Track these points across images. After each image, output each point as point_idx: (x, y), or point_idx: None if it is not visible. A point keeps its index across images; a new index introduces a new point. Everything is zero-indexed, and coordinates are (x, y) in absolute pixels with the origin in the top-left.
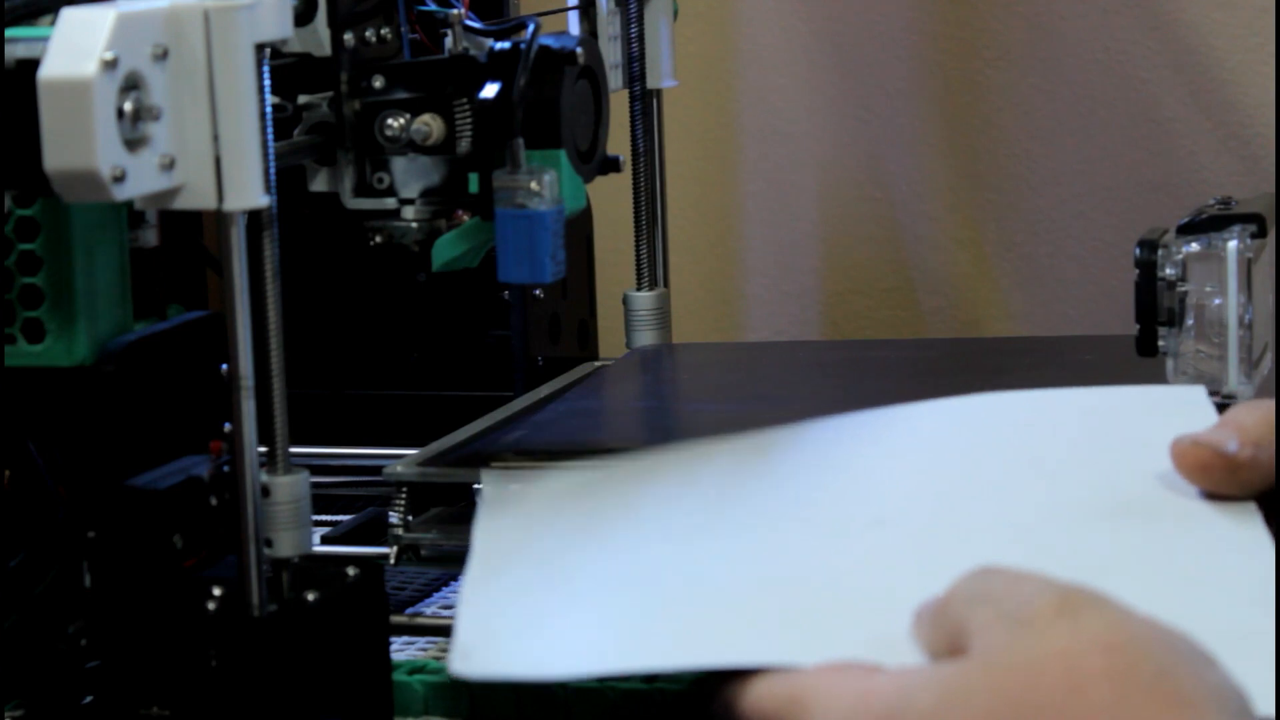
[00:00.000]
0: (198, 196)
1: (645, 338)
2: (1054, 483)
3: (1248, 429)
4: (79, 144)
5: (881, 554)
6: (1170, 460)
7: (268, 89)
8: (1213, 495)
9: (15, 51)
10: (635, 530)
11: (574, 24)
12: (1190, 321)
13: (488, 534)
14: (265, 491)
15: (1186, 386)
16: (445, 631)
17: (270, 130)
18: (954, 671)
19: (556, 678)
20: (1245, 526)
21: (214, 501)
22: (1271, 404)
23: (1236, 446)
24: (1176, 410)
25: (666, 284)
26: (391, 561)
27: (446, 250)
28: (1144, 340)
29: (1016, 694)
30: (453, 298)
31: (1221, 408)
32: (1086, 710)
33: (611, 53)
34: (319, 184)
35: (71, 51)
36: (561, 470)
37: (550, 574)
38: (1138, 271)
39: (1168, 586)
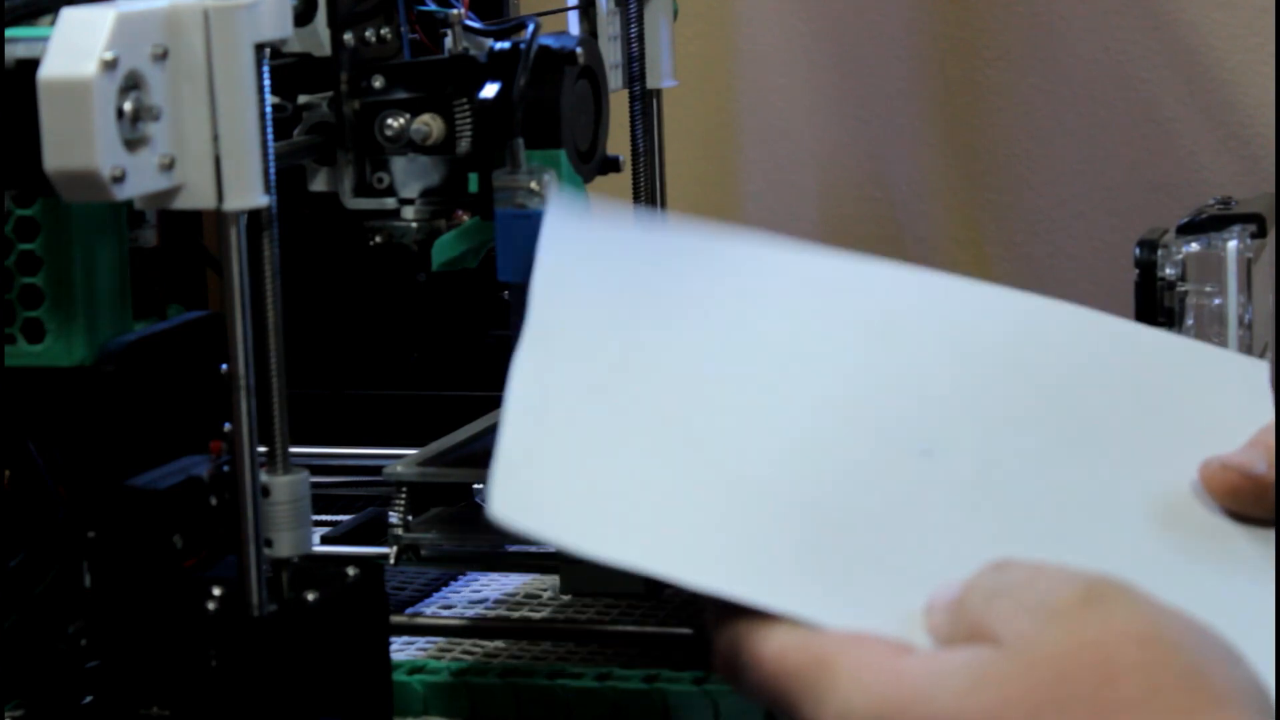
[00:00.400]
0: (197, 196)
1: None
2: (1102, 449)
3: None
4: (79, 144)
5: (924, 507)
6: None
7: (268, 89)
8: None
9: (15, 51)
10: (688, 393)
11: (574, 24)
12: (1190, 321)
13: (542, 308)
14: (265, 491)
15: (1250, 359)
16: (445, 631)
17: (270, 130)
18: (986, 658)
19: (590, 555)
20: (1266, 554)
21: (214, 501)
22: None
23: (1265, 469)
24: (1236, 384)
25: None
26: (391, 561)
27: (446, 250)
28: None
29: (1048, 682)
30: (453, 298)
31: None
32: (1118, 701)
33: (611, 53)
34: (319, 184)
35: (71, 51)
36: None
37: (596, 431)
38: (1138, 271)
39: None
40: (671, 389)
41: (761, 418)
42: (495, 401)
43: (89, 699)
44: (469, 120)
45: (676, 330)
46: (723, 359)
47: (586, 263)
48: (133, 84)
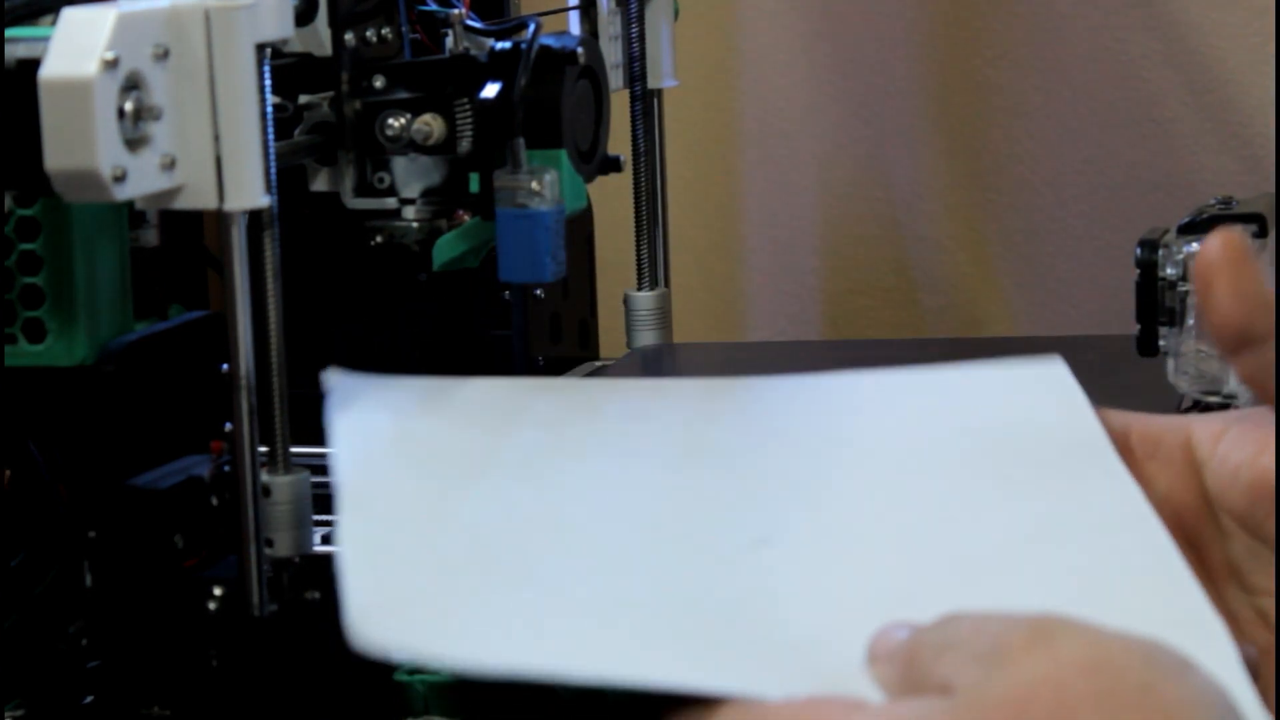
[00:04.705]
0: (198, 196)
1: (646, 338)
2: (929, 500)
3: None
4: (80, 144)
5: (776, 582)
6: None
7: (268, 89)
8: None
9: (16, 51)
10: (516, 493)
11: (574, 24)
12: (1191, 321)
13: (350, 453)
14: (266, 491)
15: (1043, 360)
16: None
17: (271, 130)
18: (939, 706)
19: (473, 671)
20: (1145, 535)
21: (214, 501)
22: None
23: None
24: (1041, 392)
25: (667, 284)
26: None
27: (447, 250)
28: (1145, 340)
29: None
30: (453, 298)
31: (1222, 408)
32: None
33: (612, 52)
34: (319, 184)
35: (72, 51)
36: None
37: (436, 532)
38: (1138, 271)
39: (1088, 608)
40: (498, 509)
41: (588, 533)
42: None
43: (89, 699)
44: (470, 120)
45: (491, 461)
46: (536, 483)
47: (382, 421)
48: (133, 84)
